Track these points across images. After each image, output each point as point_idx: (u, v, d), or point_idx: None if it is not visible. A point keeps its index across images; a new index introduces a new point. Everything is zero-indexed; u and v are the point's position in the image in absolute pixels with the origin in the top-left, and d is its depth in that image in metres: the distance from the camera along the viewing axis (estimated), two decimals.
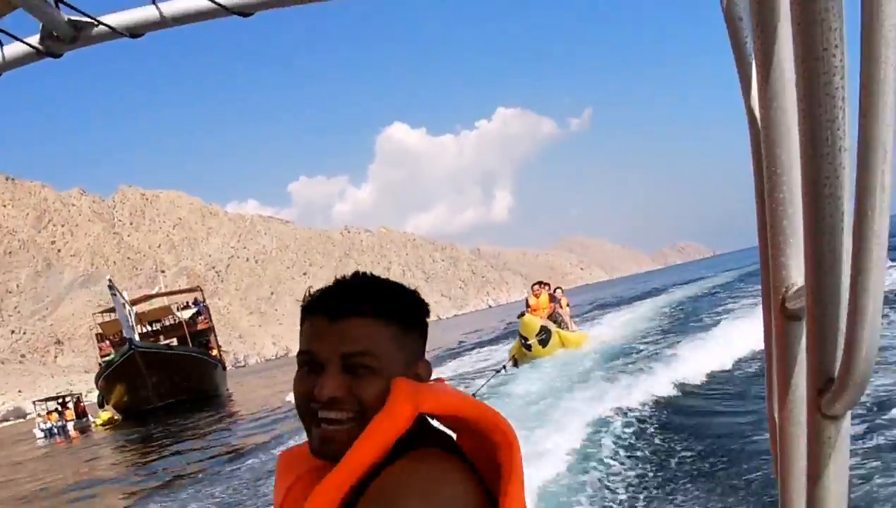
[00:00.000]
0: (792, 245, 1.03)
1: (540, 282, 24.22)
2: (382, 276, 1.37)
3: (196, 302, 64.47)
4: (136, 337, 49.19)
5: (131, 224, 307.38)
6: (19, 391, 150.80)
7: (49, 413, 52.54)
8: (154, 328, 58.81)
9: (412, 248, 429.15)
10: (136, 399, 47.66)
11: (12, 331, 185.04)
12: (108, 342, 58.11)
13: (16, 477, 26.96)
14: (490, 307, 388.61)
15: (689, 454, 9.68)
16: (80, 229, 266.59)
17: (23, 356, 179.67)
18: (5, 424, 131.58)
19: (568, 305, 24.60)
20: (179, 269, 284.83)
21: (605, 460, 9.63)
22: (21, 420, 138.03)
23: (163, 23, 1.67)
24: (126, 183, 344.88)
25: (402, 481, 1.19)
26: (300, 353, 1.36)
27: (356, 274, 1.41)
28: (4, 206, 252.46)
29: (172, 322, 60.19)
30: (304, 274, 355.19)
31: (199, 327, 60.01)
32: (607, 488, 8.69)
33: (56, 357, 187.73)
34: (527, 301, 23.32)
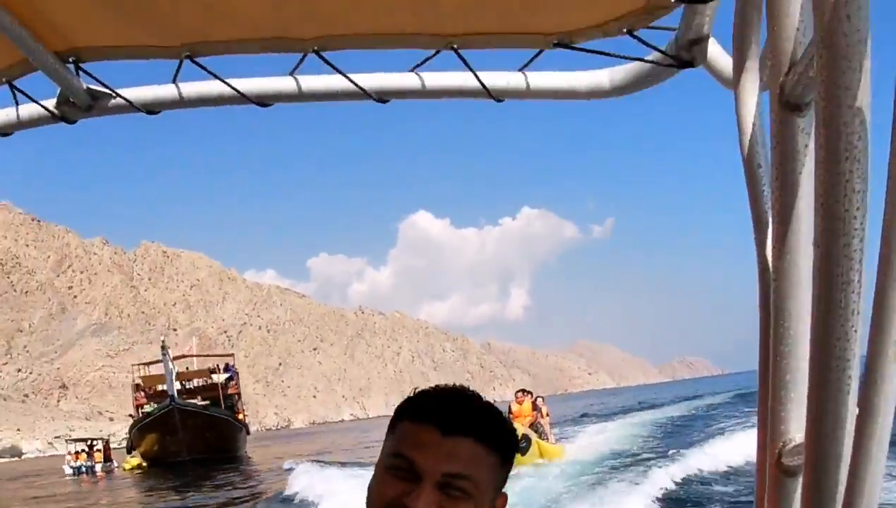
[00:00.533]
0: (793, 399, 1.00)
1: (523, 390, 24.03)
2: (465, 389, 1.32)
3: (228, 367, 66.91)
4: (172, 393, 51.91)
5: (149, 279, 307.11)
6: (18, 429, 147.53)
7: (77, 453, 56.00)
8: (190, 387, 61.25)
9: (424, 336, 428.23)
10: (165, 450, 50.64)
11: (19, 370, 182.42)
12: (143, 393, 61.01)
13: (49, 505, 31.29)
14: (494, 402, 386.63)
15: None
16: (99, 278, 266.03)
17: (26, 395, 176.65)
18: (0, 461, 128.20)
19: (548, 415, 24.67)
20: (192, 330, 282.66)
21: None
22: (16, 458, 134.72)
23: (181, 102, 1.67)
24: (149, 239, 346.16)
25: None
26: (396, 456, 1.27)
27: (462, 389, 1.35)
28: (27, 246, 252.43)
29: (206, 383, 62.79)
30: (315, 349, 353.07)
31: (230, 391, 62.71)
32: None
33: (59, 401, 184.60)
34: (510, 407, 23.12)
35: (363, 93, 1.51)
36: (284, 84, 1.53)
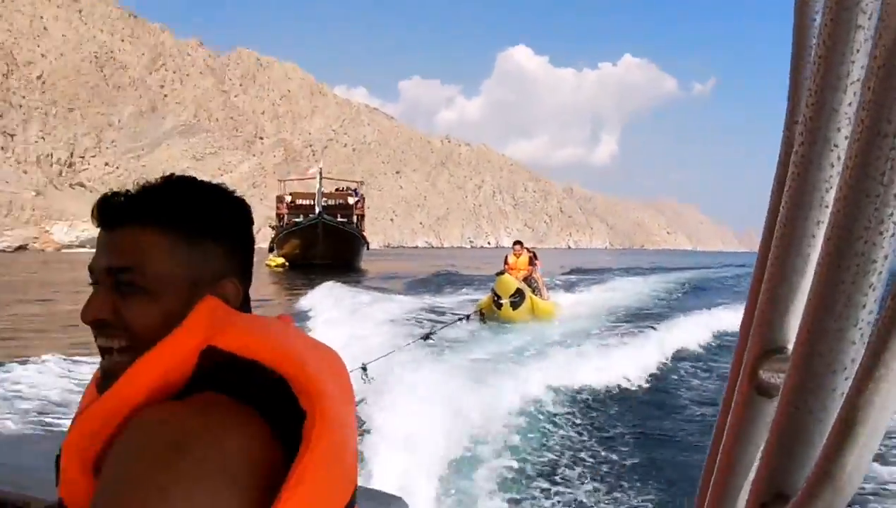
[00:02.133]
0: (788, 302, 0.82)
1: (520, 243, 23.37)
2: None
3: (355, 191, 77.36)
4: (318, 209, 62.52)
5: (241, 85, 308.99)
6: None
7: None
8: (331, 204, 69.99)
9: (507, 172, 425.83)
10: (306, 254, 60.91)
11: (106, 163, 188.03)
12: (284, 204, 71.02)
13: None
14: (569, 248, 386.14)
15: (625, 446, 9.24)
16: (191, 80, 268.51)
17: (111, 189, 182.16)
18: (81, 250, 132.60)
19: (541, 274, 24.01)
20: (277, 140, 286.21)
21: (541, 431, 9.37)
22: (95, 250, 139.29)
23: None
24: (244, 45, 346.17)
25: (148, 430, 0.98)
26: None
27: (167, 177, 1.18)
28: (122, 41, 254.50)
29: (340, 203, 72.46)
30: (397, 172, 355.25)
31: (357, 211, 72.63)
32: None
33: None
34: (506, 258, 22.82)
35: None
36: None
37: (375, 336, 14.77)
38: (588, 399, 11.19)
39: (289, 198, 71.84)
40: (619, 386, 12.13)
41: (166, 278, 1.10)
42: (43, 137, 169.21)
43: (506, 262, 22.50)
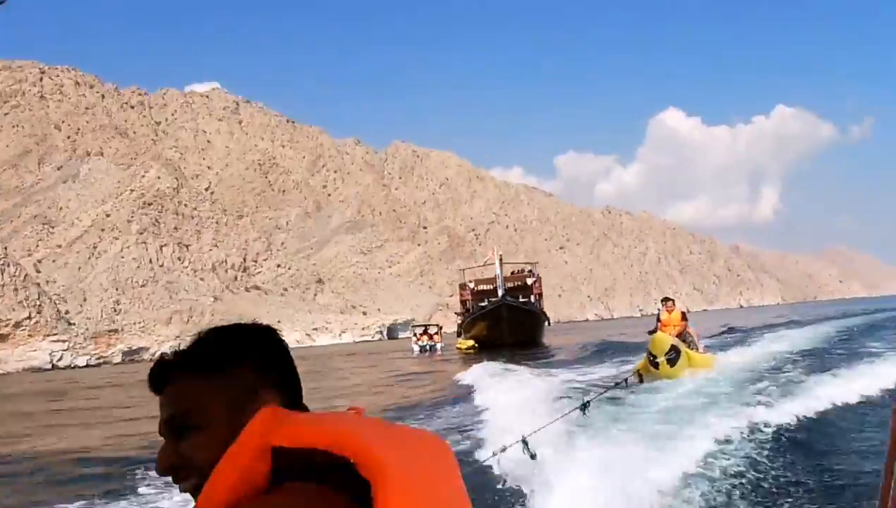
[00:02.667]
0: None
1: (671, 299, 23.23)
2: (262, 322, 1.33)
3: (532, 272, 79.74)
4: (501, 293, 65.20)
5: (400, 178, 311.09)
6: (278, 321, 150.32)
7: (419, 335, 71.66)
8: (511, 286, 71.51)
9: (671, 237, 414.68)
10: (493, 335, 61.98)
11: (278, 265, 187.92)
12: (468, 290, 74.98)
13: (412, 371, 42.83)
14: (741, 307, 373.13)
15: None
16: (352, 177, 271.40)
17: (285, 289, 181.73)
18: None
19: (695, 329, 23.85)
20: (441, 228, 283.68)
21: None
22: None
23: None
24: (399, 138, 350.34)
25: None
26: None
27: (196, 334, 1.40)
28: (283, 147, 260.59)
29: (518, 284, 74.04)
30: (561, 248, 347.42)
31: (535, 290, 74.46)
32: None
33: (316, 295, 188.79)
34: (658, 316, 22.66)
35: None
36: None
37: (533, 409, 14.29)
38: (761, 450, 10.73)
39: (472, 285, 75.77)
40: (785, 434, 11.72)
41: (209, 410, 1.28)
42: (216, 245, 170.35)
43: (658, 320, 22.31)
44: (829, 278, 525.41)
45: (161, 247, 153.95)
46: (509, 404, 16.28)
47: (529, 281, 76.13)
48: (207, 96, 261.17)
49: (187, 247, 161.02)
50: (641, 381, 19.05)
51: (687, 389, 16.85)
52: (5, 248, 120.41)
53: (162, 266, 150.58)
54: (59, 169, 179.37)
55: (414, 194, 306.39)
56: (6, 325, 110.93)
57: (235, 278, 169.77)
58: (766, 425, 11.80)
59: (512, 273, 79.62)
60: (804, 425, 12.43)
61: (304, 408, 1.38)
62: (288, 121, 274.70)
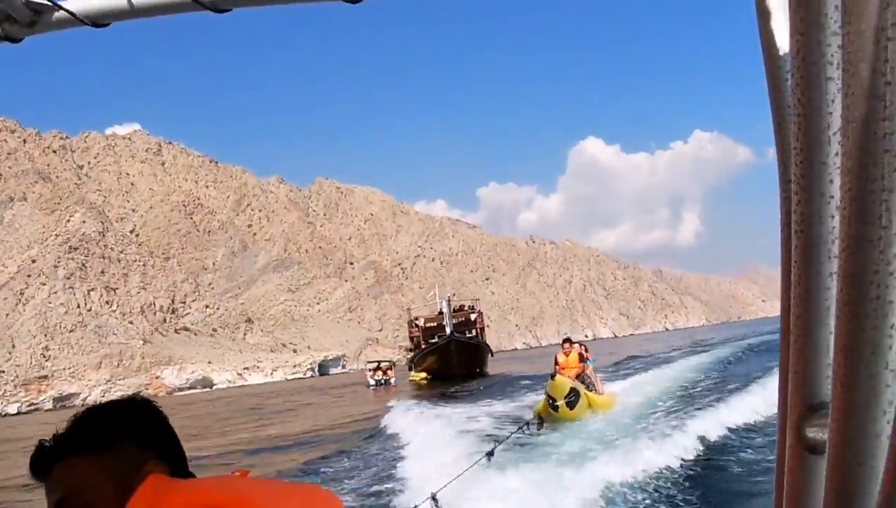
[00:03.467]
0: (819, 359, 0.83)
1: (569, 340, 23.98)
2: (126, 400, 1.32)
3: (473, 308, 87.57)
4: (450, 329, 71.15)
5: (325, 215, 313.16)
6: (209, 362, 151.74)
7: (374, 370, 76.20)
8: (457, 322, 77.21)
9: (595, 264, 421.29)
10: (443, 368, 67.26)
11: (206, 306, 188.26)
12: (416, 327, 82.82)
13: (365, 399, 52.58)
14: (667, 330, 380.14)
15: None
16: (277, 215, 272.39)
17: (214, 330, 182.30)
18: (192, 392, 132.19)
19: (594, 369, 24.67)
20: (367, 263, 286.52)
21: None
22: (207, 389, 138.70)
23: (130, 13, 1.48)
24: (323, 175, 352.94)
25: None
26: None
27: (73, 415, 1.40)
28: (207, 187, 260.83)
29: (462, 320, 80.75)
30: (487, 279, 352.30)
31: (478, 325, 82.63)
32: None
33: (245, 334, 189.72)
34: (556, 358, 22.98)
35: None
36: None
37: (441, 456, 14.87)
38: (653, 483, 11.39)
39: (421, 322, 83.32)
40: (676, 464, 12.58)
41: (95, 489, 1.29)
42: (144, 287, 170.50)
43: (556, 363, 22.52)
44: (752, 298, 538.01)
45: (89, 291, 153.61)
46: (421, 451, 16.75)
47: (473, 316, 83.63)
48: (129, 138, 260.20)
49: (115, 290, 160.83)
50: (542, 425, 19.70)
51: (587, 429, 17.85)
52: None
53: (90, 310, 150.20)
54: None
55: (339, 230, 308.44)
56: None
57: (164, 320, 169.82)
58: (662, 463, 12.79)
59: (456, 310, 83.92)
60: (696, 458, 13.59)
61: (191, 475, 1.38)
62: (211, 162, 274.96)
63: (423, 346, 76.30)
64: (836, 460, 0.81)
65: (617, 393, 24.71)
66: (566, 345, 23.16)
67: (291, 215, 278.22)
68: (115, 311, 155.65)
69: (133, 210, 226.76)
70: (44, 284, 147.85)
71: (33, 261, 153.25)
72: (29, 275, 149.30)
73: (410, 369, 78.37)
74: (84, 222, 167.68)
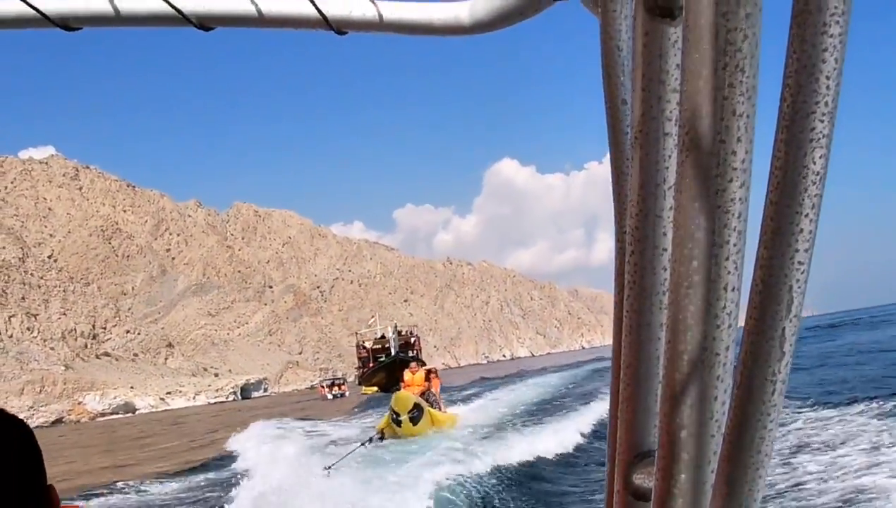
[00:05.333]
0: (647, 407, 0.84)
1: (418, 360, 25.64)
2: None
3: (412, 334, 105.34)
4: (395, 351, 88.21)
5: (243, 239, 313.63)
6: (131, 387, 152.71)
7: (329, 387, 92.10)
8: (401, 344, 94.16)
9: (511, 284, 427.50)
10: (389, 382, 74.57)
11: (127, 331, 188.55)
12: (364, 349, 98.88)
13: (329, 409, 56.98)
14: (583, 348, 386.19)
15: None
16: (195, 240, 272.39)
17: (135, 355, 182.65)
18: (115, 417, 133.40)
19: (439, 388, 25.38)
20: (286, 286, 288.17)
21: None
22: (130, 414, 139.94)
23: (111, 19, 1.38)
24: (241, 199, 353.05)
25: None
26: None
27: None
28: (125, 211, 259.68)
29: (404, 342, 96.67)
30: (405, 300, 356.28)
31: (416, 346, 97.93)
32: None
33: (166, 359, 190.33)
34: (403, 376, 24.01)
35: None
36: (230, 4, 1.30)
37: (281, 470, 14.89)
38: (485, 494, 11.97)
39: (368, 345, 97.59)
40: (506, 480, 13.21)
41: None
42: (65, 313, 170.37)
43: (402, 380, 23.67)
44: None
45: (9, 317, 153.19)
46: (265, 469, 16.31)
47: (412, 340, 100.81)
48: (46, 163, 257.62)
49: (35, 316, 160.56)
50: (383, 439, 19.90)
51: (428, 444, 17.80)
52: None
53: (11, 337, 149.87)
54: None
55: (258, 254, 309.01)
56: None
57: (86, 345, 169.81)
58: (492, 472, 13.61)
59: (399, 333, 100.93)
60: (522, 470, 14.42)
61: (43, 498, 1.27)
62: (128, 186, 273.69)
63: (372, 364, 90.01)
64: (661, 507, 0.78)
65: (458, 414, 25.23)
66: (413, 365, 24.66)
67: (210, 239, 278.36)
68: (36, 337, 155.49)
69: (51, 235, 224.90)
70: None
71: None
72: None
73: (360, 384, 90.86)
74: (3, 247, 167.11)
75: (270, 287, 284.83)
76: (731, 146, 0.63)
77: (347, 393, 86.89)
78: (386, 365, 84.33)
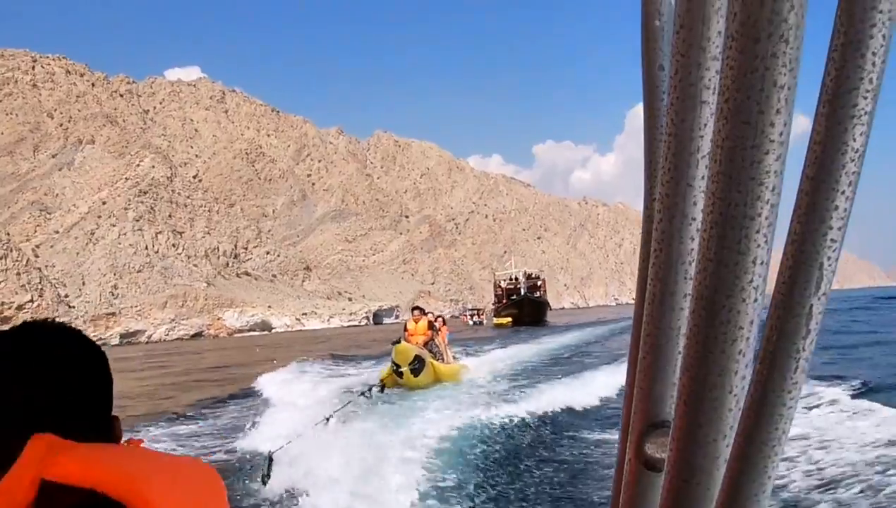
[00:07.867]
0: (664, 376, 0.84)
1: (419, 309, 23.85)
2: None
3: (539, 277, 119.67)
4: (524, 290, 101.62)
5: (382, 168, 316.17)
6: (269, 306, 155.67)
7: (472, 315, 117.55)
8: (529, 285, 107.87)
9: None
10: (519, 317, 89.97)
11: (267, 252, 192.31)
12: (499, 288, 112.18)
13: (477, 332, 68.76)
14: None
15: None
16: (335, 166, 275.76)
17: (274, 276, 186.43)
18: (252, 334, 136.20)
19: (446, 338, 24.78)
20: (422, 217, 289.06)
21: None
22: (266, 332, 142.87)
23: None
24: (381, 128, 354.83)
25: None
26: None
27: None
28: (268, 136, 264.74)
29: (532, 284, 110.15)
30: (539, 238, 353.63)
31: (542, 287, 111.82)
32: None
33: (303, 281, 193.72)
34: (405, 325, 23.30)
35: None
36: None
37: (294, 418, 14.65)
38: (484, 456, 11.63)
39: (503, 283, 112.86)
40: (511, 442, 12.80)
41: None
42: (209, 232, 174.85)
43: (405, 329, 22.74)
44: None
45: (156, 233, 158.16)
46: (284, 410, 16.57)
47: (539, 282, 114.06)
48: (194, 85, 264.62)
49: (181, 234, 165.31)
50: (383, 390, 19.64)
51: (427, 396, 18.03)
52: (8, 234, 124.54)
53: (157, 252, 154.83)
54: (53, 156, 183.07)
55: (396, 184, 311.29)
56: (9, 308, 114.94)
57: (227, 264, 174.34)
58: (492, 423, 13.55)
59: (528, 276, 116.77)
60: (529, 422, 14.25)
61: (108, 429, 1.25)
62: (273, 110, 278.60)
63: (505, 301, 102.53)
64: (673, 479, 0.76)
65: (466, 365, 24.80)
66: (415, 313, 23.33)
67: (350, 167, 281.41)
68: (180, 254, 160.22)
69: (197, 155, 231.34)
70: (113, 225, 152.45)
71: (104, 203, 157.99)
72: (99, 216, 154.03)
73: (494, 317, 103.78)
74: (153, 167, 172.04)
75: (407, 217, 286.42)
76: (769, 117, 0.63)
77: (485, 321, 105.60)
78: (516, 303, 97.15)
